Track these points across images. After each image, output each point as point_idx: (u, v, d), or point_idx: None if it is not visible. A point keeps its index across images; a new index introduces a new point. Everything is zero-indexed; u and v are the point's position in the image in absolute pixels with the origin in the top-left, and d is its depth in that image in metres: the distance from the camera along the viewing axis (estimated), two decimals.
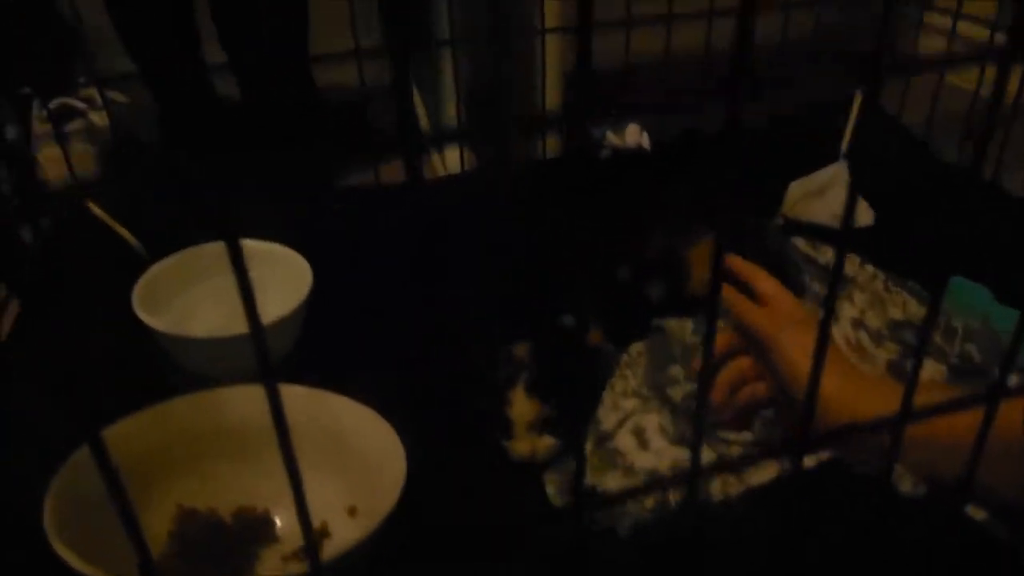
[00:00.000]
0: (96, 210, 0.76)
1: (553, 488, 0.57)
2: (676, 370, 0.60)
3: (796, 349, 0.49)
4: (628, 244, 0.71)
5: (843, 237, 0.31)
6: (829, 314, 0.32)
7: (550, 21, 0.88)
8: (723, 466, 0.45)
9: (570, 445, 0.56)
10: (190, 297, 0.74)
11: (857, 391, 0.47)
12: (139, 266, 0.72)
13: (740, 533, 0.45)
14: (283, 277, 0.73)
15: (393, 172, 1.04)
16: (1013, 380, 0.57)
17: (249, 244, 0.77)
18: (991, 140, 0.32)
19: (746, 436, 0.55)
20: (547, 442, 0.58)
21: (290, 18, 1.09)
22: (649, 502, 0.48)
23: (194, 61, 1.12)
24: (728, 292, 0.54)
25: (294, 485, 0.24)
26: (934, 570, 0.41)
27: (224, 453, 0.56)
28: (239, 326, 0.63)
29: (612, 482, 0.52)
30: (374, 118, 1.19)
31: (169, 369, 0.68)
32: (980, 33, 1.04)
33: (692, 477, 0.30)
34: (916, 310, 0.66)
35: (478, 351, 0.66)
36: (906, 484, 0.45)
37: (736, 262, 0.57)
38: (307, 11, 1.09)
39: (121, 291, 0.69)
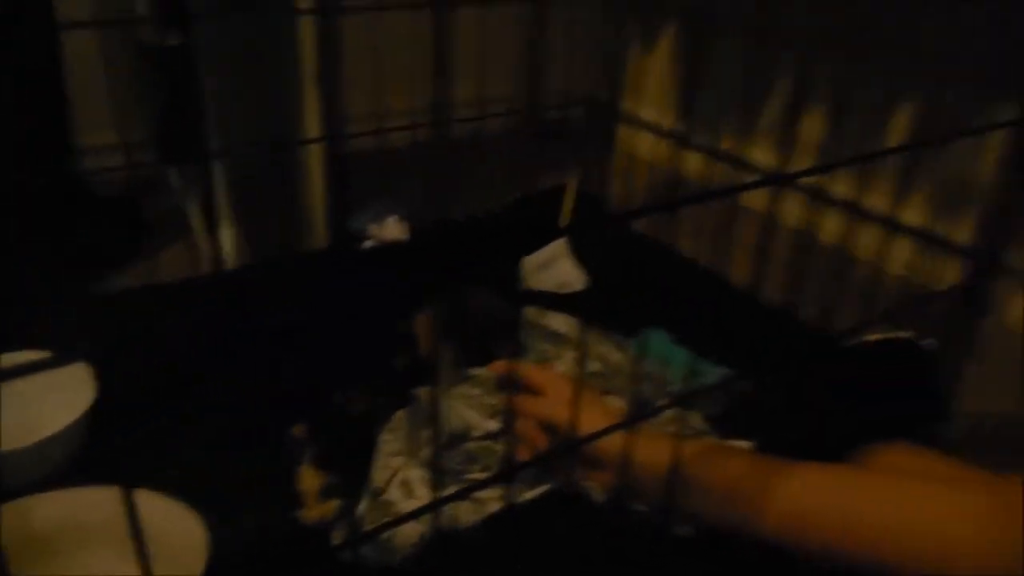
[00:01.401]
0: None
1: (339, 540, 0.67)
2: (424, 433, 0.74)
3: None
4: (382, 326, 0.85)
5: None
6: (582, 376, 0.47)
7: (311, 132, 1.01)
8: (452, 497, 0.59)
9: (352, 505, 0.67)
10: None
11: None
12: None
13: (482, 551, 0.59)
14: (64, 387, 0.77)
15: (168, 261, 1.10)
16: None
17: (23, 356, 0.80)
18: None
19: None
20: (333, 505, 0.69)
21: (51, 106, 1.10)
22: (413, 538, 0.61)
23: None
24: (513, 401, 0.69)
25: None
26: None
27: (26, 558, 0.60)
28: (13, 441, 0.68)
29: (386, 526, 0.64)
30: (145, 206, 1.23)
31: None
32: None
33: (435, 508, 0.43)
34: (615, 358, 0.85)
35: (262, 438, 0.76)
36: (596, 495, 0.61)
37: (500, 367, 0.72)
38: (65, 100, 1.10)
39: None
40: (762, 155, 1.07)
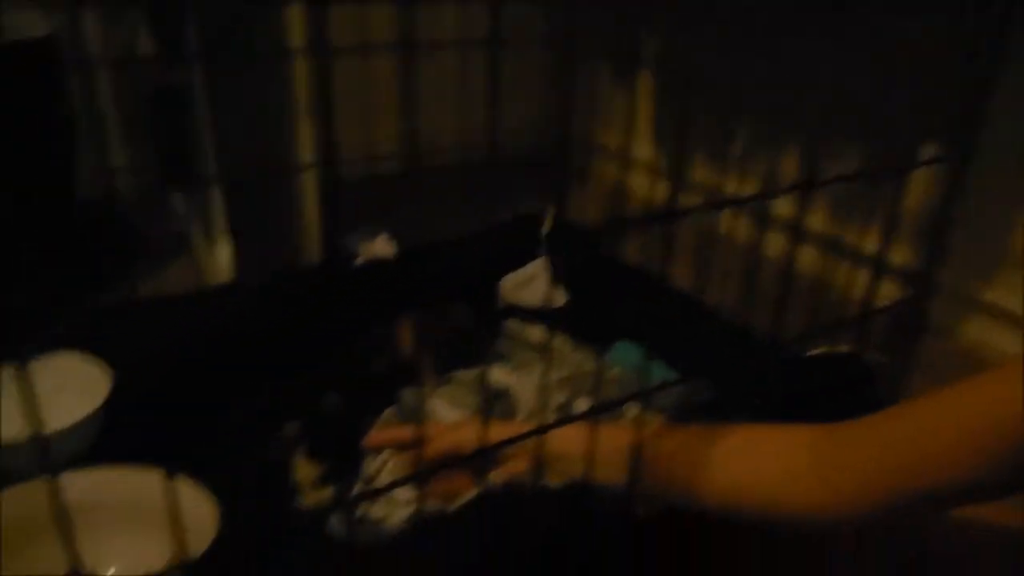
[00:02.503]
0: None
1: (340, 525, 0.73)
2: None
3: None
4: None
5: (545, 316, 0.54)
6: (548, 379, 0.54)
7: (305, 158, 1.09)
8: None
9: (345, 491, 0.74)
10: None
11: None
12: None
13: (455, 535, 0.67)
14: (80, 383, 0.83)
15: (170, 277, 1.16)
16: (634, 411, 0.84)
17: (41, 359, 0.86)
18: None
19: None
20: (329, 491, 0.76)
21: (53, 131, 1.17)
22: (399, 521, 0.68)
23: None
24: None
25: None
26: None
27: (45, 537, 0.66)
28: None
29: (379, 510, 0.71)
30: (140, 222, 1.30)
31: None
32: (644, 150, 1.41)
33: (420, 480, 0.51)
34: (588, 366, 0.93)
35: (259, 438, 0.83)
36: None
37: (378, 437, 0.78)
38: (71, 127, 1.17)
39: None
40: (732, 185, 1.17)
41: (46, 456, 0.31)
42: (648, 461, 0.61)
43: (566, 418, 0.54)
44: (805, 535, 0.66)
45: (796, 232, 1.05)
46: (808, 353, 0.92)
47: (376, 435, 0.78)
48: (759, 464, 0.60)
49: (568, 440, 0.65)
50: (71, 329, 0.93)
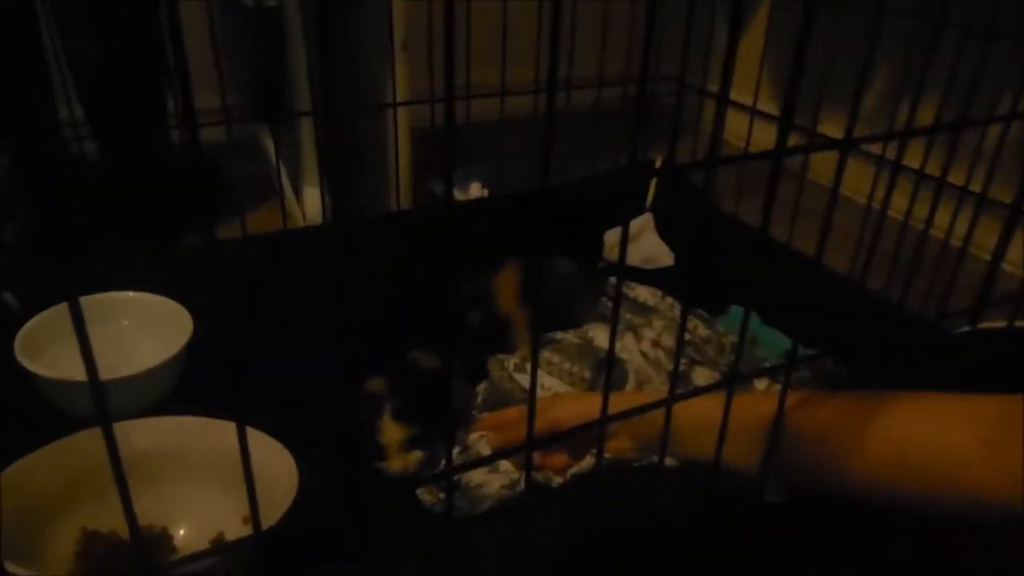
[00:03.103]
0: None
1: (429, 497, 0.67)
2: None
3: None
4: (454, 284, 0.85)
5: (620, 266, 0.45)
6: (614, 339, 0.45)
7: (401, 96, 1.01)
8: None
9: (436, 454, 0.67)
10: (64, 348, 0.79)
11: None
12: (14, 320, 0.76)
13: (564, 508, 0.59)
14: (162, 325, 0.79)
15: (257, 221, 1.12)
16: (763, 386, 0.74)
17: (126, 296, 0.83)
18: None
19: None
20: (416, 456, 0.69)
21: (149, 73, 1.14)
22: (499, 487, 0.61)
23: (46, 115, 1.14)
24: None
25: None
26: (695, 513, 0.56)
27: (132, 482, 0.62)
28: (114, 373, 0.71)
29: (476, 476, 0.64)
30: (233, 172, 1.26)
31: (51, 415, 0.72)
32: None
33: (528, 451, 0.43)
34: (703, 332, 0.83)
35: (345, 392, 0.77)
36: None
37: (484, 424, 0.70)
38: (165, 67, 1.14)
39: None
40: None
41: (104, 402, 0.26)
42: (790, 434, 0.51)
43: (698, 389, 0.45)
44: (970, 527, 0.55)
45: (939, 186, 0.92)
46: (976, 328, 0.80)
47: (483, 422, 0.71)
48: (935, 434, 0.49)
49: (693, 413, 0.56)
50: (155, 271, 0.89)
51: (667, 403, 0.48)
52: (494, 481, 0.61)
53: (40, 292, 0.80)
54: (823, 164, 1.34)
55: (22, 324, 0.75)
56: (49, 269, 0.78)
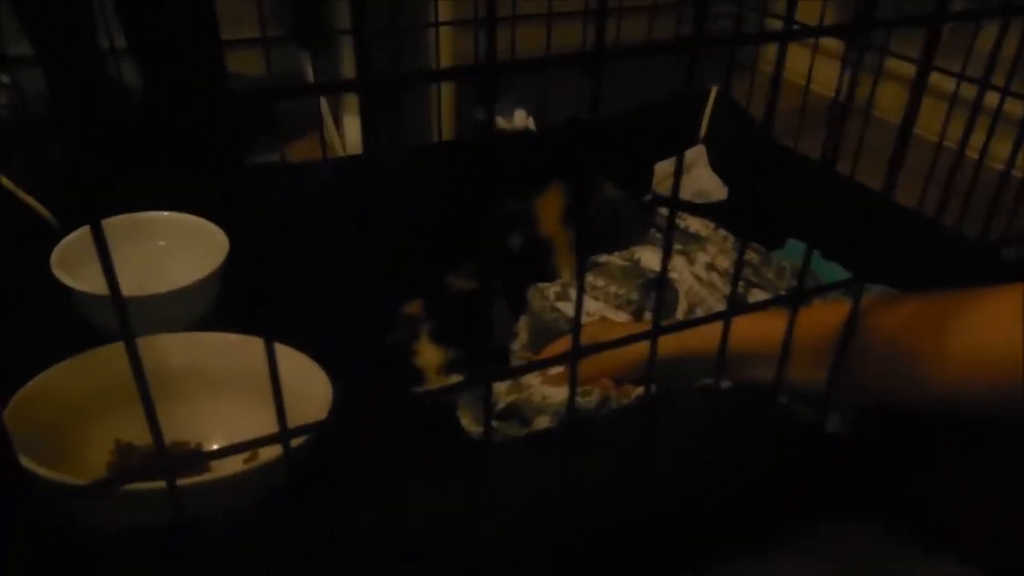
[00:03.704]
0: (5, 182, 0.78)
1: (467, 419, 0.64)
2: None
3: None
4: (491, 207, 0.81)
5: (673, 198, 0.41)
6: (665, 268, 0.41)
7: (443, 15, 0.97)
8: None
9: (477, 378, 0.64)
10: (98, 265, 0.78)
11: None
12: (49, 237, 0.75)
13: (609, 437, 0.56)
14: (199, 245, 0.78)
15: (297, 152, 1.10)
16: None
17: (162, 216, 0.82)
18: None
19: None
20: (456, 379, 0.67)
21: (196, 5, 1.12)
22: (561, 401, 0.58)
23: (90, 45, 1.13)
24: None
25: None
26: (755, 444, 0.53)
27: (157, 395, 0.60)
28: (148, 291, 0.69)
29: (538, 394, 0.61)
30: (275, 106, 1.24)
31: (86, 330, 0.71)
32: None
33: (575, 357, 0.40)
34: (759, 259, 0.78)
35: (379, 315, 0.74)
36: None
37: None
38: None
39: (32, 259, 0.72)
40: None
41: (124, 310, 0.25)
42: (860, 344, 0.47)
43: (760, 302, 0.42)
44: None
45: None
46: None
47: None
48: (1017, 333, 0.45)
49: (753, 332, 0.52)
50: (193, 194, 0.88)
51: (726, 316, 0.44)
52: (559, 395, 0.58)
53: (79, 210, 0.79)
54: (890, 99, 1.26)
55: (59, 241, 0.74)
56: (85, 188, 0.77)
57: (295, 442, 0.53)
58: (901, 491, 0.57)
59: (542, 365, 0.42)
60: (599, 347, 0.41)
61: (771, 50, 1.24)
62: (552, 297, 0.72)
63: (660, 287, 0.37)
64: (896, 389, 0.51)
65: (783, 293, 0.71)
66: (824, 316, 0.51)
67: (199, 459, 0.59)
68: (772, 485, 0.54)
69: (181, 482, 0.41)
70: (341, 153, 1.14)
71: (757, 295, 0.71)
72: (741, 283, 0.72)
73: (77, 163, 0.85)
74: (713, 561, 0.54)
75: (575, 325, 0.36)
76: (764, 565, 0.55)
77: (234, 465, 0.58)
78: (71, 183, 0.78)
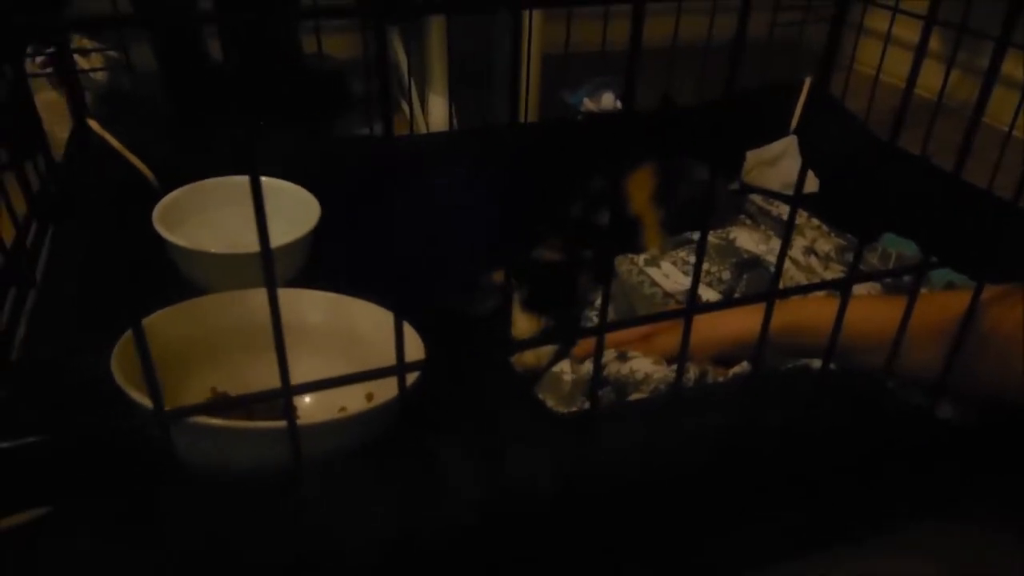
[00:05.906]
0: (114, 142, 0.81)
1: (552, 399, 0.63)
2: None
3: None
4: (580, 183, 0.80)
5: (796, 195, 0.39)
6: (785, 246, 0.40)
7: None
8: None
9: (569, 347, 0.64)
10: (197, 224, 0.80)
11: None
12: (149, 196, 0.78)
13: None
14: (292, 210, 0.79)
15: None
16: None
17: (262, 181, 0.83)
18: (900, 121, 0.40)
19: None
20: (549, 350, 0.66)
21: None
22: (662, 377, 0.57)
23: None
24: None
25: None
26: (868, 427, 0.50)
27: (251, 347, 0.62)
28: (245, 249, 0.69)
29: (642, 368, 0.60)
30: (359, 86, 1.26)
31: (183, 285, 0.73)
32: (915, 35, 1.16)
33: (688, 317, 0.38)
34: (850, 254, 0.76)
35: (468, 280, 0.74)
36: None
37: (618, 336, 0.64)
38: None
39: (134, 216, 0.74)
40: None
41: (271, 265, 0.26)
42: (980, 336, 0.45)
43: (803, 286, 0.40)
44: None
45: None
46: None
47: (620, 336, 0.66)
48: None
49: (860, 314, 0.50)
50: (288, 162, 0.89)
51: (843, 284, 0.42)
52: (659, 371, 0.57)
53: (178, 169, 0.82)
54: (997, 104, 1.21)
55: (157, 200, 0.77)
56: (193, 148, 0.79)
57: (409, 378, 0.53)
58: (1016, 489, 0.53)
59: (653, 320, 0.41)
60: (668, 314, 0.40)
61: (869, 47, 1.20)
62: (641, 263, 0.71)
63: (779, 266, 0.36)
64: (1013, 387, 0.48)
65: (886, 283, 0.69)
66: (947, 304, 0.49)
67: (318, 387, 0.60)
68: (873, 468, 0.52)
69: (301, 423, 0.42)
70: (424, 130, 1.15)
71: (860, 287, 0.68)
72: (843, 268, 0.69)
73: (228, 121, 0.88)
74: (804, 550, 0.52)
75: (692, 291, 0.35)
76: (863, 557, 0.53)
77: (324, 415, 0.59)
78: (180, 143, 0.80)
